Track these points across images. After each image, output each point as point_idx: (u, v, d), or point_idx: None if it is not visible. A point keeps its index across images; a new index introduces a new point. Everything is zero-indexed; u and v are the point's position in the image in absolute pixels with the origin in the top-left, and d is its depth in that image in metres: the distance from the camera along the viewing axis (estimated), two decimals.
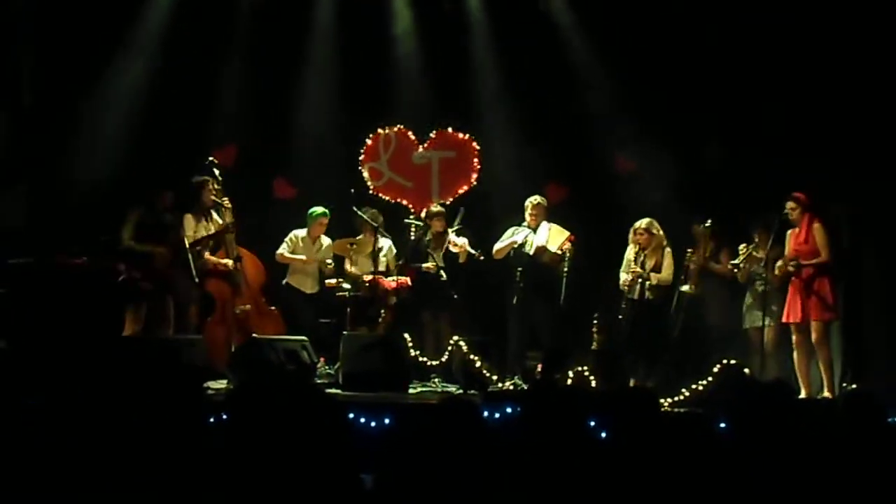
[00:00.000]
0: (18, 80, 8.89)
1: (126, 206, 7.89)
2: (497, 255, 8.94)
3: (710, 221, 8.52)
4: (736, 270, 8.32)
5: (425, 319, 9.11)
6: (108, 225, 8.31)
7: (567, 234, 8.79)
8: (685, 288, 8.55)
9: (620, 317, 8.62)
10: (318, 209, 8.97)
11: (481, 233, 9.27)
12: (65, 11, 8.96)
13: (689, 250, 8.66)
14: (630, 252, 8.69)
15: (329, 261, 8.93)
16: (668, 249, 8.65)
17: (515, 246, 8.81)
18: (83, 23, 9.00)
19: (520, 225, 8.97)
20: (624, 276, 8.68)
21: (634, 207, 9.14)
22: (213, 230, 8.19)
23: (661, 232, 8.63)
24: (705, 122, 9.51)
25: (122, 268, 7.73)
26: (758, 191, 8.68)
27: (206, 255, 8.15)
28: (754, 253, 8.23)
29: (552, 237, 8.77)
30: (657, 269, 8.59)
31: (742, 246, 8.31)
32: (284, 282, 8.90)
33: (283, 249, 8.91)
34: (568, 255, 8.68)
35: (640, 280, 8.54)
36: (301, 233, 8.96)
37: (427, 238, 9.21)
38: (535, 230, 8.86)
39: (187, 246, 7.69)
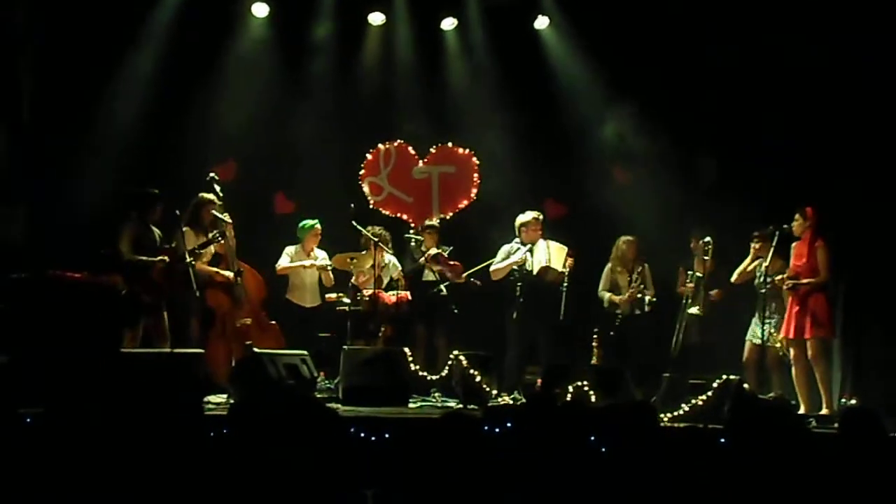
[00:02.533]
0: (19, 96, 8.90)
1: (118, 221, 7.88)
2: (495, 275, 8.92)
3: (709, 238, 8.55)
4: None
5: (421, 333, 9.15)
6: (107, 239, 8.33)
7: (566, 249, 8.82)
8: (693, 310, 8.58)
9: (612, 333, 8.76)
10: (310, 221, 9.00)
11: (477, 249, 9.30)
12: (66, 30, 8.98)
13: (689, 271, 8.68)
14: (615, 270, 8.95)
15: (330, 264, 8.93)
16: (647, 266, 8.96)
17: (515, 267, 8.80)
18: (84, 40, 9.02)
19: (512, 242, 8.97)
20: (610, 295, 8.89)
21: (632, 223, 9.20)
22: (211, 247, 8.18)
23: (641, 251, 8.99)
24: (700, 136, 9.56)
25: (121, 281, 7.72)
26: (754, 206, 8.72)
27: (202, 264, 8.11)
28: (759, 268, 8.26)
29: (555, 256, 8.77)
30: (644, 285, 8.94)
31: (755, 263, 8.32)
32: (285, 298, 8.89)
33: (282, 261, 8.92)
34: (568, 270, 8.72)
35: (642, 297, 8.72)
36: (295, 247, 8.97)
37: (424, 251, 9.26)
38: (531, 247, 8.86)
39: (188, 260, 7.68)
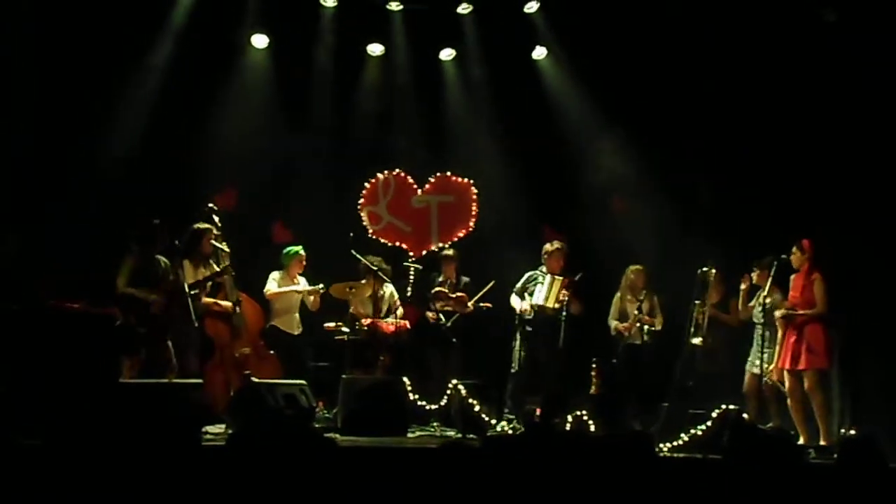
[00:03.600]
0: (15, 122, 8.92)
1: (120, 251, 7.87)
2: (521, 310, 9.03)
3: (713, 268, 8.56)
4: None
5: (424, 363, 9.14)
6: (106, 270, 8.35)
7: (560, 280, 8.82)
8: (696, 341, 8.56)
9: (615, 360, 8.76)
10: (295, 248, 8.98)
11: (480, 276, 9.32)
12: (66, 58, 9.02)
13: (696, 301, 8.66)
14: (624, 298, 8.92)
15: (322, 287, 8.90)
16: (655, 296, 8.97)
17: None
18: (84, 69, 9.07)
19: (537, 269, 9.10)
20: (616, 323, 8.93)
21: (630, 251, 9.23)
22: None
23: (649, 280, 8.98)
24: (698, 165, 9.60)
25: (117, 313, 7.71)
26: (755, 234, 8.74)
27: (204, 298, 8.12)
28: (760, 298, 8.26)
29: (551, 294, 8.84)
30: (651, 313, 8.88)
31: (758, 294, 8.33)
32: (269, 324, 8.81)
33: (270, 286, 8.85)
34: (566, 300, 8.73)
35: (641, 326, 8.70)
36: (280, 273, 8.94)
37: (440, 279, 9.27)
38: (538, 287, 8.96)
39: (187, 291, 7.67)
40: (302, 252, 8.95)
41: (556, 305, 8.78)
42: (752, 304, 8.38)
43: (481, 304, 9.17)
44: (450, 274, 9.35)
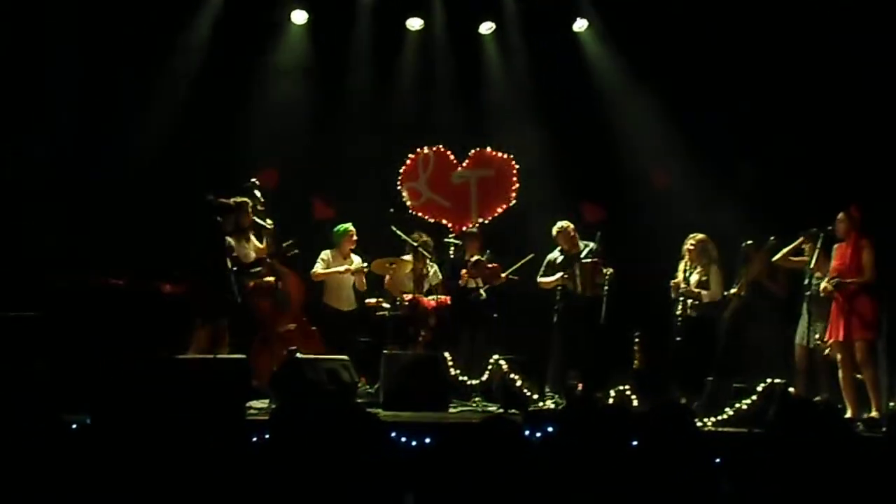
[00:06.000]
0: (59, 100, 9.02)
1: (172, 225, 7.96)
2: (543, 286, 8.97)
3: (750, 241, 8.44)
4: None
5: (463, 338, 9.14)
6: (148, 246, 8.46)
7: (586, 265, 8.73)
8: (732, 290, 8.41)
9: (674, 335, 8.51)
10: (345, 225, 9.04)
11: (518, 252, 9.29)
12: (108, 36, 9.10)
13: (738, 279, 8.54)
14: (680, 266, 8.67)
15: (366, 266, 8.94)
16: (715, 267, 8.58)
17: (562, 283, 8.83)
18: (125, 47, 9.16)
19: (554, 251, 8.99)
20: (674, 285, 8.65)
21: (675, 225, 9.10)
22: (251, 252, 8.23)
23: (715, 252, 8.58)
24: (742, 138, 9.46)
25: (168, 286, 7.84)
26: (803, 208, 8.59)
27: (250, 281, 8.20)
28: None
29: (584, 282, 8.76)
30: (703, 286, 8.53)
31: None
32: (322, 302, 8.92)
33: (318, 267, 8.94)
34: (608, 279, 8.64)
35: (682, 297, 8.50)
36: (331, 252, 9.00)
37: (465, 258, 9.27)
38: (574, 255, 8.86)
39: (229, 266, 7.73)
40: (352, 229, 9.00)
41: (596, 292, 8.69)
42: (790, 257, 8.20)
43: (511, 276, 9.11)
44: (473, 250, 9.33)
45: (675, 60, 9.46)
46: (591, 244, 8.87)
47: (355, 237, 9.03)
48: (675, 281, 8.63)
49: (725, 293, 8.47)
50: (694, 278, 8.55)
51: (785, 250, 8.26)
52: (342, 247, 9.01)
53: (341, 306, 9.01)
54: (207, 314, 7.79)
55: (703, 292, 8.51)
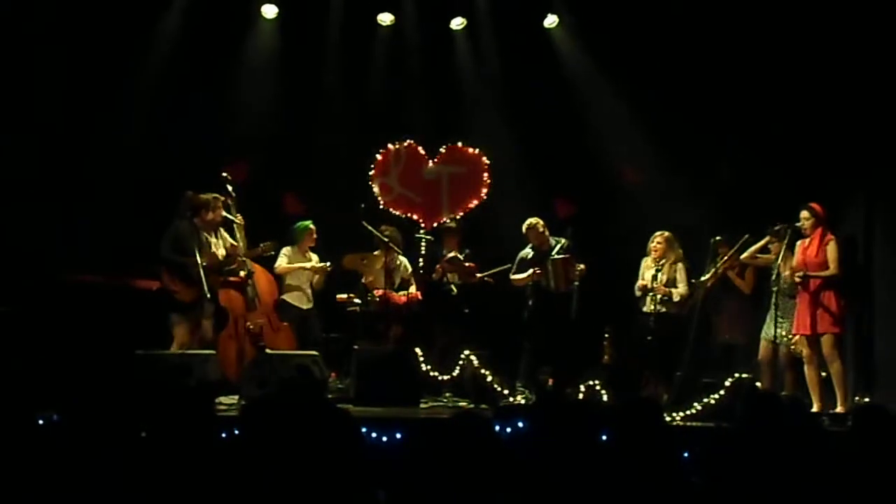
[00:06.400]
0: (33, 97, 8.94)
1: (168, 218, 7.91)
2: (515, 284, 8.96)
3: (719, 237, 8.53)
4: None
5: (436, 333, 9.14)
6: (125, 240, 8.41)
7: (558, 261, 8.74)
8: (703, 278, 8.46)
9: (649, 330, 8.55)
10: (305, 222, 9.00)
11: (490, 249, 9.30)
12: (78, 31, 9.03)
13: (705, 274, 8.63)
14: (646, 266, 8.72)
15: (329, 265, 8.90)
16: (682, 265, 8.67)
17: (535, 279, 8.81)
18: (95, 42, 9.09)
19: (526, 248, 8.97)
20: (640, 286, 8.72)
21: (646, 221, 9.15)
22: (222, 247, 8.19)
23: (680, 249, 8.67)
24: (716, 135, 9.51)
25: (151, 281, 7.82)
26: (769, 205, 8.66)
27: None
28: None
29: (556, 278, 8.75)
30: (671, 284, 8.61)
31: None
32: (280, 298, 8.79)
33: (281, 262, 8.85)
34: (579, 275, 8.68)
35: (651, 294, 8.56)
36: (292, 248, 8.93)
37: (442, 253, 9.27)
38: (546, 251, 8.86)
39: (199, 262, 7.70)
40: (312, 226, 8.95)
41: (570, 286, 8.71)
42: (756, 255, 8.30)
43: (486, 279, 9.16)
44: (452, 246, 9.32)
45: (646, 57, 9.49)
46: (563, 240, 8.90)
47: (315, 234, 8.98)
48: (643, 283, 8.69)
49: (693, 280, 8.53)
50: (662, 277, 8.60)
51: (752, 248, 8.33)
52: (303, 244, 8.95)
53: (301, 304, 8.94)
54: (183, 308, 7.75)
55: (674, 290, 8.58)
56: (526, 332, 8.87)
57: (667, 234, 8.70)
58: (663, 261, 8.64)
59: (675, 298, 8.57)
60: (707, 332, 8.75)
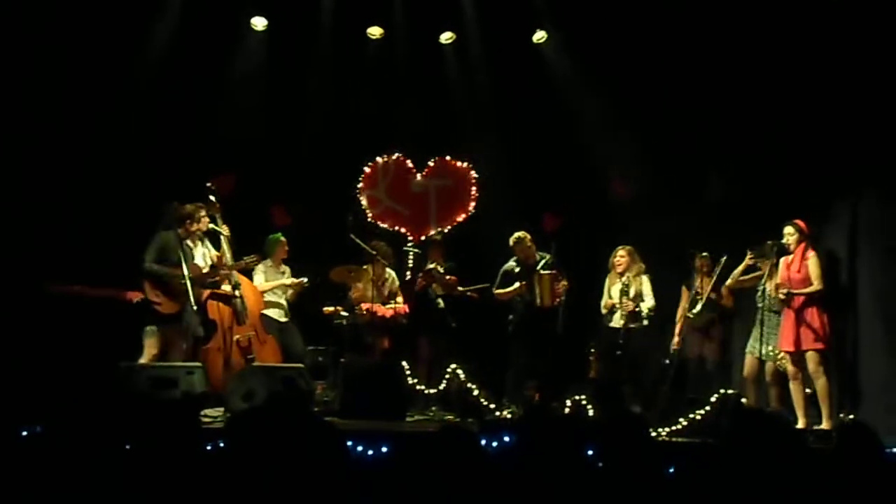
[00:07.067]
0: (35, 107, 8.91)
1: (127, 230, 7.88)
2: (499, 298, 8.95)
3: (704, 254, 8.58)
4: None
5: (423, 347, 9.13)
6: (107, 251, 8.37)
7: (546, 276, 8.74)
8: (695, 311, 8.50)
9: (620, 345, 8.60)
10: (276, 235, 8.98)
11: (476, 262, 9.31)
12: (71, 39, 9.01)
13: (690, 290, 8.69)
14: (612, 283, 8.77)
15: (305, 280, 8.84)
16: (645, 277, 8.77)
17: (519, 293, 8.80)
18: (85, 51, 9.06)
19: (510, 261, 8.97)
20: (608, 305, 8.75)
21: (630, 235, 9.19)
22: (207, 258, 8.16)
23: (642, 263, 8.78)
24: (705, 151, 9.55)
25: (135, 292, 7.77)
26: (753, 219, 8.70)
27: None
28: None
29: (543, 294, 8.74)
30: (638, 298, 8.68)
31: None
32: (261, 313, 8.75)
33: (259, 280, 8.79)
34: (563, 291, 8.69)
35: (620, 310, 8.60)
36: (266, 262, 8.88)
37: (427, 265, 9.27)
38: (532, 265, 8.84)
39: (185, 273, 7.67)
40: (283, 238, 8.94)
41: (556, 302, 8.72)
42: (741, 278, 8.35)
43: (469, 294, 9.16)
44: (435, 258, 9.33)
45: (635, 72, 9.52)
46: (547, 255, 8.91)
47: (287, 247, 8.95)
48: (610, 301, 8.74)
49: (690, 314, 8.54)
50: (631, 291, 8.65)
51: (735, 273, 8.37)
52: (275, 256, 8.93)
53: (280, 318, 8.91)
54: (163, 321, 7.73)
55: (642, 304, 8.66)
56: (512, 346, 8.88)
57: (628, 247, 8.81)
58: (628, 274, 8.71)
59: (644, 312, 8.64)
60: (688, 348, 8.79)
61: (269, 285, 8.78)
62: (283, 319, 8.87)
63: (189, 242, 8.02)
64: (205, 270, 8.01)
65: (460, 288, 9.16)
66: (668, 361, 8.66)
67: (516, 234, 8.95)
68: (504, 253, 9.07)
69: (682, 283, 8.96)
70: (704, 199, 9.47)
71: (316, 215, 9.58)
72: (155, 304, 7.72)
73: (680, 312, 8.85)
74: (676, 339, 8.73)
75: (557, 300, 8.70)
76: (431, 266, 9.22)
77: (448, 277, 9.18)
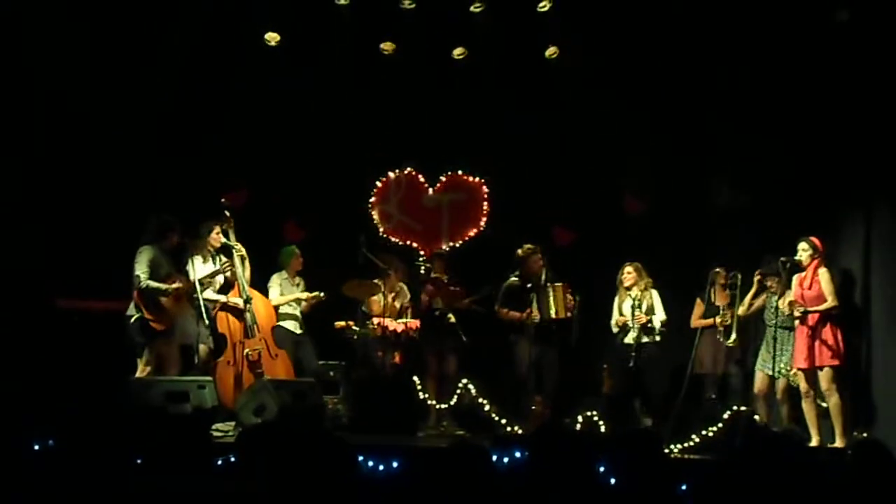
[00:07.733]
0: (28, 120, 8.95)
1: (136, 245, 7.89)
2: (505, 318, 8.82)
3: (718, 269, 8.55)
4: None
5: (431, 362, 9.09)
6: (113, 265, 8.39)
7: (559, 287, 8.67)
8: (731, 341, 8.45)
9: (632, 359, 8.53)
10: (290, 247, 8.99)
11: (486, 276, 9.29)
12: (80, 52, 9.05)
13: (701, 299, 8.67)
14: (622, 300, 8.71)
15: (320, 294, 8.84)
16: (654, 292, 8.70)
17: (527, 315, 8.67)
18: (97, 64, 9.11)
19: (511, 277, 8.87)
20: (620, 322, 8.69)
21: (644, 250, 9.15)
22: (220, 275, 8.17)
23: (649, 278, 8.71)
24: (715, 165, 9.53)
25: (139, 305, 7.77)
26: (766, 235, 8.68)
27: (211, 293, 8.11)
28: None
29: (557, 305, 8.65)
30: (650, 311, 8.61)
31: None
32: (274, 325, 8.72)
33: (275, 294, 8.79)
34: (574, 305, 8.65)
35: (633, 326, 8.54)
36: (280, 274, 8.90)
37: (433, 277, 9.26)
38: (537, 286, 8.75)
39: (197, 287, 7.68)
40: (297, 251, 8.94)
41: (568, 315, 8.67)
42: (753, 302, 8.32)
43: (474, 307, 9.11)
44: (439, 272, 9.31)
45: (647, 86, 9.51)
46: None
47: (301, 258, 8.95)
48: (621, 319, 8.66)
49: (728, 343, 8.49)
50: (643, 306, 8.59)
51: (747, 299, 8.36)
52: (290, 269, 8.94)
53: (295, 330, 8.91)
54: (155, 336, 7.70)
55: (654, 318, 8.59)
56: (523, 361, 8.81)
57: (636, 263, 8.73)
58: (635, 289, 8.63)
59: (657, 327, 8.58)
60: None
61: (284, 299, 8.79)
62: (299, 331, 8.88)
63: (199, 257, 8.03)
64: (219, 284, 8.01)
65: (466, 300, 9.12)
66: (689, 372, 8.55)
67: (526, 246, 8.83)
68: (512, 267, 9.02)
69: (693, 296, 8.91)
70: (715, 212, 9.44)
71: (328, 230, 9.57)
72: (148, 320, 7.69)
73: (694, 323, 8.79)
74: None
75: (569, 313, 8.65)
76: (434, 275, 9.19)
77: (452, 288, 9.13)
